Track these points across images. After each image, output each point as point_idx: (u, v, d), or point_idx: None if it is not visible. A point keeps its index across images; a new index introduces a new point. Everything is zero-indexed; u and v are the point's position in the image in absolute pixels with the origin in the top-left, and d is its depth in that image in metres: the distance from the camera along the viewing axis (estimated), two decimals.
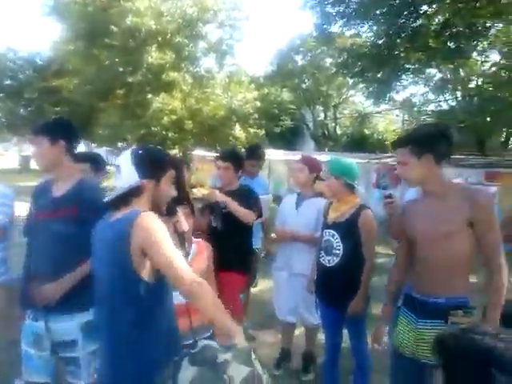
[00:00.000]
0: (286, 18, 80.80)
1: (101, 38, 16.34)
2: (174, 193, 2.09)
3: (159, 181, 1.94)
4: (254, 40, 34.58)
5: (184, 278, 1.70)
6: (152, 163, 1.93)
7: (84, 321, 2.40)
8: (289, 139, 28.31)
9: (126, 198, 1.88)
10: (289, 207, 3.82)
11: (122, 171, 1.90)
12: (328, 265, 3.19)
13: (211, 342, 0.90)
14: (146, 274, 1.80)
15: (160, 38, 15.56)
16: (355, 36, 12.97)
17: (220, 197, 3.51)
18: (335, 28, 10.97)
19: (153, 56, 14.82)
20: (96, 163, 3.14)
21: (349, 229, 3.10)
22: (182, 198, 3.21)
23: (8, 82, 22.39)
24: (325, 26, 10.47)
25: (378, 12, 9.74)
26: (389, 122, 27.86)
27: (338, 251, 3.13)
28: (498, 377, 0.86)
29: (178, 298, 2.55)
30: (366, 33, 11.70)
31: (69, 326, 2.39)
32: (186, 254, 2.68)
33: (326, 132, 29.13)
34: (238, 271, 3.58)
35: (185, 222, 2.35)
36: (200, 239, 2.95)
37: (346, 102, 29.70)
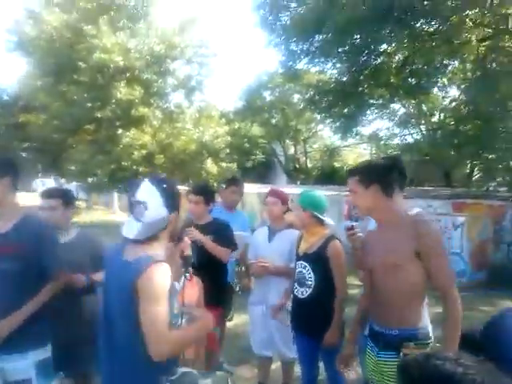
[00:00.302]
0: (252, 55, 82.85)
1: (68, 74, 16.33)
2: (179, 220, 2.18)
3: (179, 212, 2.02)
4: (222, 76, 35.39)
5: (155, 348, 1.71)
6: (176, 197, 2.02)
7: (39, 358, 2.35)
8: (261, 173, 28.58)
9: (156, 234, 1.92)
10: (261, 240, 3.85)
11: (150, 206, 1.89)
12: (301, 296, 3.22)
13: (189, 369, 0.88)
14: None
15: (128, 74, 15.68)
16: (321, 73, 13.38)
17: (197, 235, 3.50)
18: (300, 65, 11.31)
19: (121, 92, 14.87)
20: (66, 198, 3.11)
21: (318, 260, 3.14)
22: None
23: None
24: (290, 64, 10.77)
25: (340, 50, 10.11)
26: (358, 155, 28.53)
27: (310, 282, 3.16)
28: None
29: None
30: (330, 69, 12.10)
31: (21, 364, 2.32)
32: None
33: (297, 165, 29.57)
34: (212, 305, 3.52)
35: (188, 247, 2.38)
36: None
37: (315, 136, 30.38)
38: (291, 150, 30.34)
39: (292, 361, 3.80)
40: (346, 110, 12.29)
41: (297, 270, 3.26)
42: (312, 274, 3.15)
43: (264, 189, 13.73)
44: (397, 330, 2.25)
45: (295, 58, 10.81)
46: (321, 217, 3.21)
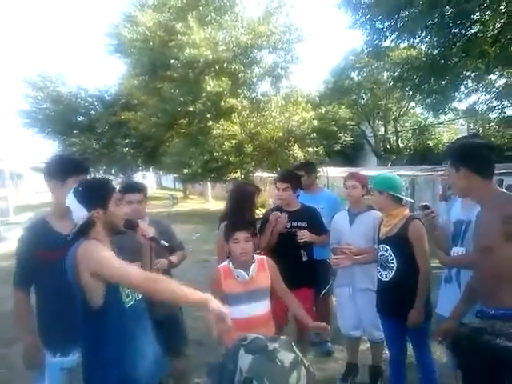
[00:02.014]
0: (337, 36, 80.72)
1: (162, 71, 17.33)
2: (124, 211, 2.30)
3: (106, 207, 2.13)
4: (307, 60, 34.86)
5: (134, 281, 1.92)
6: (93, 195, 2.12)
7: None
8: (350, 156, 28.09)
9: (84, 231, 2.11)
10: (342, 224, 3.92)
11: (72, 210, 2.12)
12: (384, 279, 3.28)
13: (257, 334, 1.07)
14: (97, 299, 2.02)
15: (217, 67, 16.18)
16: (410, 48, 12.82)
17: (309, 237, 3.69)
18: (387, 42, 10.94)
19: (211, 84, 15.40)
20: (146, 192, 3.34)
21: (400, 242, 3.16)
22: (250, 220, 3.46)
23: (80, 118, 24.09)
24: (376, 42, 10.46)
25: (429, 23, 9.62)
26: (453, 131, 26.86)
27: (392, 265, 3.20)
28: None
29: (243, 313, 2.77)
30: (419, 45, 11.52)
31: None
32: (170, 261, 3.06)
33: (388, 146, 28.60)
34: (301, 286, 3.69)
35: (150, 229, 2.55)
36: (264, 256, 3.07)
37: (406, 115, 29.07)
38: (381, 131, 29.38)
39: (380, 341, 3.86)
40: (437, 86, 11.68)
41: (379, 254, 3.32)
42: (394, 256, 3.19)
43: (366, 172, 13.48)
44: (492, 309, 2.24)
45: (381, 36, 10.49)
46: (399, 195, 3.23)
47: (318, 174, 5.24)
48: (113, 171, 27.03)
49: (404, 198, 3.26)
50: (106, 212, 2.13)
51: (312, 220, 3.92)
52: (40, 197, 22.13)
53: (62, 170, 2.55)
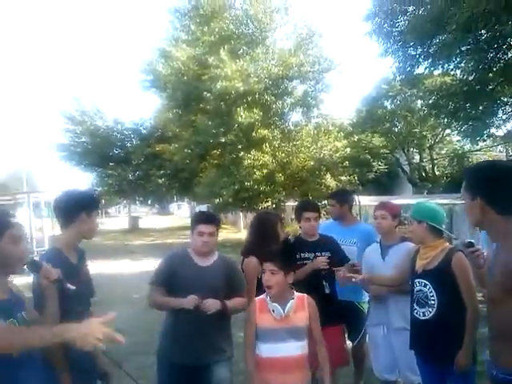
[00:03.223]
0: (368, 65, 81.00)
1: (195, 104, 17.68)
2: (17, 250, 2.05)
3: None
4: (338, 89, 34.96)
5: None
6: None
7: None
8: (384, 184, 27.58)
9: None
10: (374, 257, 3.71)
11: None
12: (423, 317, 3.00)
13: None
14: None
15: (249, 98, 16.37)
16: (444, 75, 12.59)
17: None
18: (420, 69, 10.76)
19: (242, 116, 15.55)
20: (219, 224, 3.24)
21: (442, 276, 2.90)
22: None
23: (117, 151, 24.77)
24: (408, 69, 10.30)
25: (463, 48, 9.41)
26: (491, 158, 26.04)
27: (432, 301, 2.94)
28: None
29: (278, 352, 2.60)
30: (453, 71, 11.27)
31: None
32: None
33: (424, 174, 27.94)
34: (329, 324, 3.48)
35: (52, 271, 2.26)
36: (304, 294, 2.85)
37: (442, 142, 28.45)
38: (416, 159, 28.81)
39: None
40: (474, 112, 11.34)
41: (415, 289, 3.07)
42: (434, 292, 2.92)
43: (400, 201, 13.20)
44: (495, 370, 1.93)
45: (414, 63, 10.32)
46: (439, 227, 3.01)
47: (353, 204, 5.03)
48: (149, 202, 27.49)
49: (444, 230, 3.04)
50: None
51: (333, 249, 3.75)
52: None
53: (75, 204, 2.58)
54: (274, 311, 2.65)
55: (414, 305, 3.06)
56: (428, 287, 2.96)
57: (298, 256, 3.61)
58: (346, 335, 4.19)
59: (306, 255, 3.71)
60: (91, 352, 2.58)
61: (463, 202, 2.12)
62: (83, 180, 27.14)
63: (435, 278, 2.93)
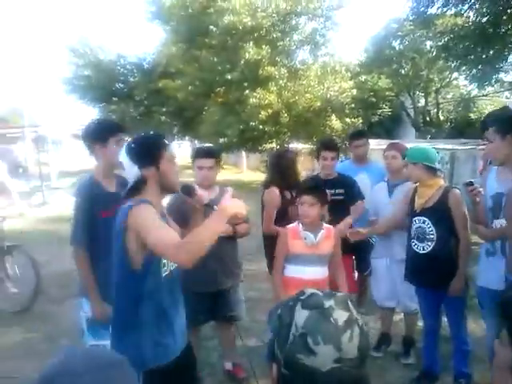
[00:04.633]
0: (379, 3, 77.59)
1: (200, 39, 17.20)
2: (176, 170, 2.17)
3: (158, 166, 2.04)
4: (347, 28, 33.79)
5: (165, 251, 1.85)
6: (144, 153, 2.03)
7: None
8: (388, 127, 27.43)
9: (135, 189, 2.07)
10: (381, 196, 3.93)
11: (125, 167, 2.07)
12: (422, 251, 3.27)
13: (315, 290, 1.11)
14: (137, 264, 1.99)
15: (256, 34, 15.93)
16: (456, 16, 12.23)
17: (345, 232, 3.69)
18: (433, 10, 10.48)
19: (250, 52, 15.21)
20: (219, 158, 3.48)
21: (440, 212, 3.16)
22: (295, 185, 3.56)
23: (120, 85, 24.39)
24: (422, 9, 10.03)
25: None
26: (497, 105, 25.74)
27: (431, 236, 3.20)
28: None
29: (295, 273, 2.88)
30: (467, 12, 10.98)
31: None
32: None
33: (428, 118, 27.74)
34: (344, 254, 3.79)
35: (204, 195, 2.43)
36: (331, 226, 3.16)
37: (448, 86, 27.99)
38: (421, 103, 28.47)
39: (415, 312, 3.91)
40: (484, 56, 11.18)
41: (414, 226, 3.30)
42: (433, 227, 3.18)
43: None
44: None
45: (428, 3, 10.05)
46: (433, 166, 3.20)
47: None
48: None
49: (438, 168, 3.24)
50: (158, 169, 2.05)
51: (349, 188, 3.98)
52: (80, 163, 22.82)
53: (102, 131, 2.71)
54: (305, 238, 2.94)
55: (414, 240, 3.31)
56: (427, 223, 3.21)
57: None
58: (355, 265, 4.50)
59: None
60: None
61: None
62: (86, 115, 26.98)
63: (434, 215, 3.18)
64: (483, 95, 24.04)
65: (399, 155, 3.81)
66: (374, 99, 25.45)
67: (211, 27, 16.10)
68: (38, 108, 47.40)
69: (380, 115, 26.90)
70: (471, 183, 2.89)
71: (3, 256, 5.26)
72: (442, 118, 27.98)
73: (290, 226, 3.11)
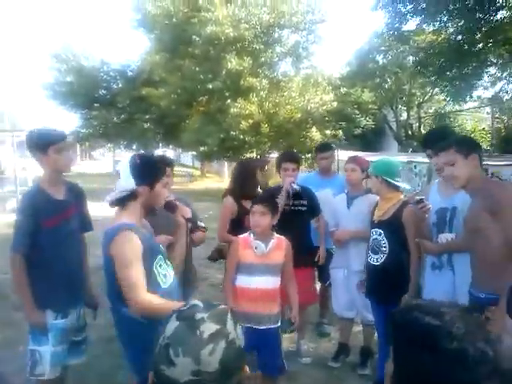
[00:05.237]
0: (361, 18, 78.95)
1: (183, 48, 17.27)
2: (166, 195, 2.29)
3: (153, 186, 2.14)
4: (330, 42, 34.26)
5: (128, 292, 1.98)
6: (147, 171, 2.13)
7: None
8: (371, 140, 27.70)
9: (123, 201, 2.13)
10: (340, 207, 3.97)
11: (121, 176, 2.12)
12: (375, 263, 3.32)
13: (198, 301, 1.10)
14: None
15: (238, 45, 16.06)
16: (435, 33, 12.48)
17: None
18: (411, 26, 10.71)
19: (232, 63, 15.32)
20: None
21: (393, 226, 3.20)
22: (255, 195, 3.57)
23: (102, 92, 24.25)
24: (397, 26, 10.23)
25: (452, 7, 9.35)
26: (478, 120, 26.24)
27: (384, 249, 3.25)
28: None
29: (259, 284, 2.90)
30: (443, 29, 11.22)
31: None
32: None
33: (410, 132, 28.08)
34: (301, 266, 3.83)
35: (187, 210, 2.53)
36: (282, 237, 3.16)
37: (430, 101, 28.42)
38: (404, 116, 28.86)
39: (372, 324, 3.92)
40: (460, 73, 11.41)
41: (371, 238, 3.35)
42: (386, 240, 3.23)
43: (372, 157, 13.39)
44: (483, 293, 2.35)
45: (402, 19, 10.25)
46: (392, 182, 3.25)
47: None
48: (134, 147, 27.22)
49: (397, 184, 3.28)
50: (151, 190, 2.14)
51: (311, 199, 4.02)
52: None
53: (41, 141, 2.71)
54: (256, 248, 2.94)
55: (369, 252, 3.36)
56: (382, 236, 3.26)
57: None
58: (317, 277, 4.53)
59: (285, 201, 3.92)
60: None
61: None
62: (68, 121, 26.75)
63: (388, 228, 3.23)
64: (461, 110, 24.50)
65: (358, 168, 3.86)
66: (356, 112, 25.72)
67: (194, 37, 16.18)
68: (19, 112, 46.80)
69: (363, 128, 27.18)
70: (421, 200, 2.93)
71: None
72: (423, 131, 28.35)
73: (242, 235, 3.12)
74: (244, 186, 3.79)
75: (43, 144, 2.68)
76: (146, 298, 1.97)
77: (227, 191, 3.90)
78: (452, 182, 2.53)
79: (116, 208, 2.19)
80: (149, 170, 2.13)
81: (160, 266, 2.16)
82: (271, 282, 3.03)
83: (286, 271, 3.13)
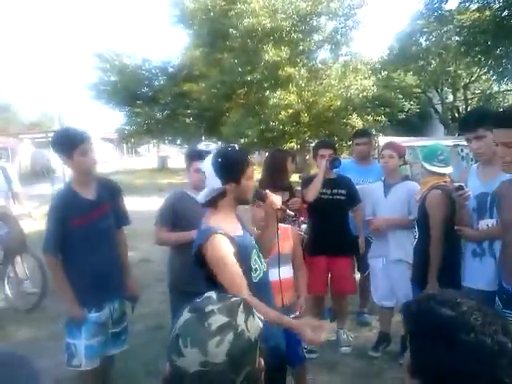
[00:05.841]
0: (401, 0, 75.92)
1: (221, 42, 17.39)
2: (253, 185, 2.26)
3: (239, 181, 2.11)
4: (369, 26, 33.23)
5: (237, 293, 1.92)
6: (230, 168, 2.09)
7: None
8: (416, 125, 26.87)
9: (215, 201, 2.15)
10: (377, 196, 3.91)
11: (207, 177, 2.14)
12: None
13: (216, 293, 1.12)
14: None
15: (276, 36, 15.98)
16: (478, 11, 11.87)
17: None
18: (450, 5, 10.28)
19: (269, 53, 15.27)
20: None
21: (420, 211, 3.17)
22: (285, 185, 3.59)
23: (144, 89, 24.81)
24: (436, 5, 9.82)
25: None
26: None
27: (416, 234, 3.23)
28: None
29: (272, 276, 2.92)
30: (486, 6, 10.68)
31: None
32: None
33: (457, 115, 27.02)
34: (340, 255, 3.87)
35: (278, 199, 2.44)
36: (289, 226, 3.18)
37: (477, 81, 27.18)
38: (449, 99, 27.77)
39: None
40: (507, 50, 10.85)
41: None
42: (416, 226, 3.24)
43: (415, 142, 12.95)
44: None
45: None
46: (427, 167, 3.19)
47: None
48: (178, 142, 27.71)
49: (431, 169, 3.19)
50: (238, 185, 2.12)
51: (350, 189, 3.98)
52: (108, 166, 23.27)
53: (65, 145, 2.76)
54: None
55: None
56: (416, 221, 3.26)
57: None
58: (356, 266, 4.49)
59: (324, 190, 3.93)
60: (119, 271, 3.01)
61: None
62: (112, 120, 27.59)
63: (418, 213, 3.21)
64: (510, 90, 23.29)
65: (396, 154, 3.77)
66: (400, 96, 24.99)
67: (231, 30, 16.25)
68: (67, 113, 48.65)
69: (407, 112, 26.39)
70: (461, 187, 2.82)
71: (14, 256, 5.44)
72: None
73: None
74: (275, 177, 3.79)
75: (68, 148, 2.73)
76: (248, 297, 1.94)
77: (260, 182, 3.93)
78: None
79: (208, 209, 2.22)
80: (231, 166, 2.10)
81: (255, 260, 2.19)
82: (283, 273, 3.02)
83: (295, 261, 3.13)
